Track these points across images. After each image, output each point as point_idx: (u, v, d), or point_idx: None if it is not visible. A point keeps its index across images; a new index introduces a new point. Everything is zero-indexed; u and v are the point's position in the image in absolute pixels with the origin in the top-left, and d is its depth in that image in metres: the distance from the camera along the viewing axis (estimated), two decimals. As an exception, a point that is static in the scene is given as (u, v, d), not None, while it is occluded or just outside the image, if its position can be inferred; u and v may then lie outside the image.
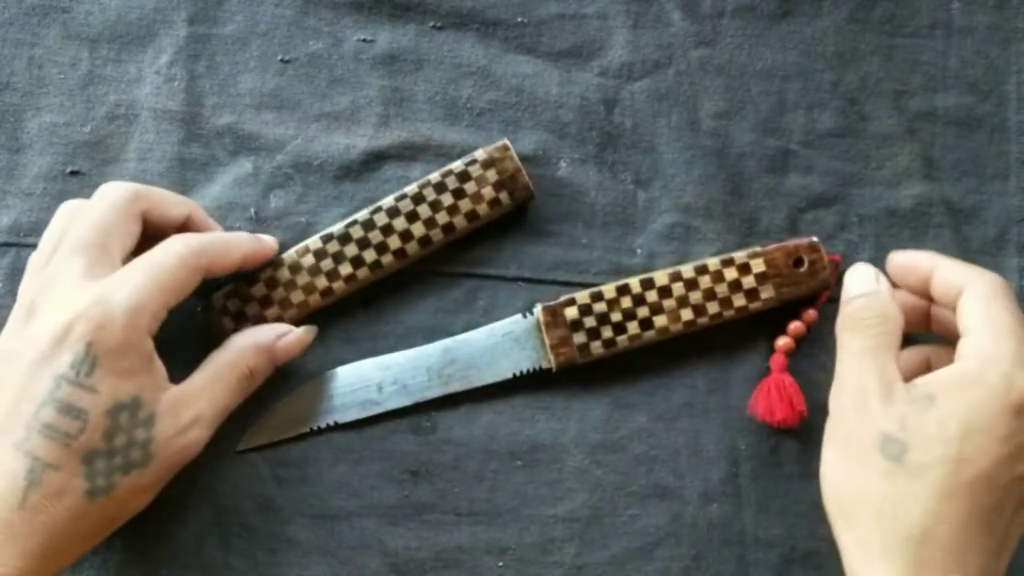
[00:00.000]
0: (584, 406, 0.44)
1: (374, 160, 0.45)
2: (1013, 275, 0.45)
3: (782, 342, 0.43)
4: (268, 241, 0.43)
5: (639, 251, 0.45)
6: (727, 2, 0.46)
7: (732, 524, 0.44)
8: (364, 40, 0.45)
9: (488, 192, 0.43)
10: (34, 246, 0.43)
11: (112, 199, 0.39)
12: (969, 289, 0.38)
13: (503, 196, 0.43)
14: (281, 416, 0.43)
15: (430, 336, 0.44)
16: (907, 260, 0.41)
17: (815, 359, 0.44)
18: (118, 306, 0.36)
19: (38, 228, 0.44)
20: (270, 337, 0.41)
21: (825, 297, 0.43)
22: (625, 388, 0.44)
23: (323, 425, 0.43)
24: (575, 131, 0.45)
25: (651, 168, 0.45)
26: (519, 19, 0.46)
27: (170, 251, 0.38)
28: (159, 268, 0.37)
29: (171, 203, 0.41)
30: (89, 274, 0.37)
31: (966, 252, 0.45)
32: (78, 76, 0.45)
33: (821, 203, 0.45)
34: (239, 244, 0.41)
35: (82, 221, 0.38)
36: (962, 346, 0.37)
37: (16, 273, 0.43)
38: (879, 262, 0.43)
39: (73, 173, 0.44)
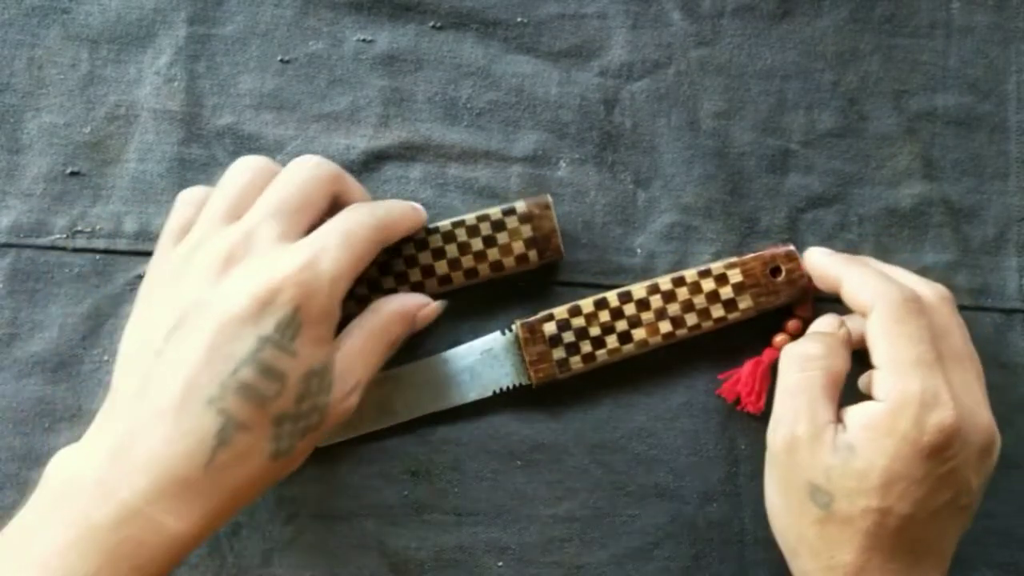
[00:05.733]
0: (584, 406, 0.44)
1: (374, 160, 0.45)
2: (1013, 275, 0.45)
3: (779, 338, 0.44)
4: (422, 211, 0.42)
5: (639, 251, 0.45)
6: (727, 2, 0.46)
7: (732, 524, 0.44)
8: (364, 40, 0.45)
9: (518, 247, 0.42)
10: (34, 247, 0.44)
11: (317, 174, 0.38)
12: (874, 313, 0.38)
13: (532, 254, 0.43)
14: None
15: (429, 335, 0.44)
16: (819, 264, 0.42)
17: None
18: (324, 273, 0.35)
19: (38, 228, 0.44)
20: (414, 307, 0.40)
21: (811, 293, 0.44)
22: (625, 388, 0.44)
23: None
24: (575, 131, 0.45)
25: (651, 168, 0.45)
26: (519, 19, 0.46)
27: (361, 222, 0.38)
28: (354, 239, 0.37)
29: (358, 194, 0.41)
30: (284, 238, 0.36)
31: (966, 252, 0.45)
32: (78, 76, 0.45)
33: (821, 203, 0.45)
34: (407, 216, 0.41)
35: (286, 185, 0.38)
36: (874, 382, 0.38)
37: (16, 273, 0.43)
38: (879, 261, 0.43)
39: (73, 174, 0.44)
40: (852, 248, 0.45)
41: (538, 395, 0.43)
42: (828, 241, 0.45)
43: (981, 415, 0.38)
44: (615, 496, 0.44)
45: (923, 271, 0.44)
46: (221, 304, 0.34)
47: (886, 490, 0.36)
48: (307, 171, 0.38)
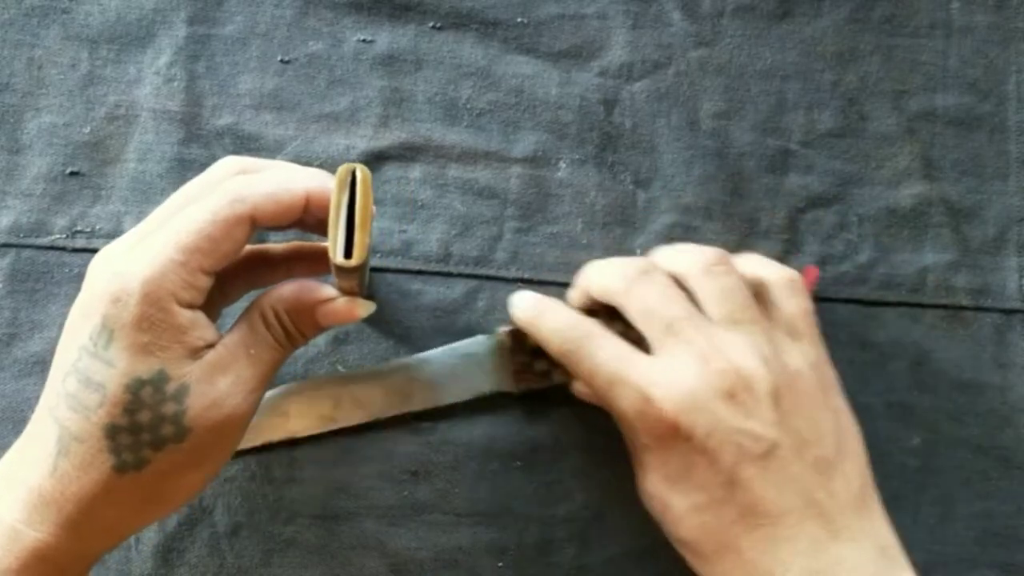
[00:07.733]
0: (584, 406, 0.44)
1: (374, 161, 0.45)
2: (1013, 275, 0.45)
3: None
4: (320, 181, 0.36)
5: (639, 251, 0.45)
6: (727, 2, 0.46)
7: (732, 524, 0.44)
8: (364, 40, 0.45)
9: None
10: (34, 247, 0.44)
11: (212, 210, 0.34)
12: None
13: None
14: None
15: (430, 336, 0.44)
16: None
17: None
18: (134, 279, 0.33)
19: (38, 228, 0.44)
20: (310, 301, 0.36)
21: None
22: (625, 388, 0.44)
23: (277, 439, 0.42)
24: (575, 131, 0.45)
25: (651, 168, 0.45)
26: (519, 19, 0.46)
27: (204, 204, 0.34)
28: (185, 229, 0.33)
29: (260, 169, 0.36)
30: (134, 246, 0.34)
31: (966, 252, 0.45)
32: (78, 77, 0.45)
33: (821, 203, 0.45)
34: (297, 183, 0.35)
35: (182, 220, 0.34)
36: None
37: (16, 273, 0.43)
38: (879, 262, 0.44)
39: (73, 174, 0.44)
40: (852, 248, 0.45)
41: (538, 395, 0.43)
42: (828, 241, 0.45)
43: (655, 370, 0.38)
44: (615, 496, 0.43)
45: (923, 271, 0.44)
46: (69, 317, 0.35)
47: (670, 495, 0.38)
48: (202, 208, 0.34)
